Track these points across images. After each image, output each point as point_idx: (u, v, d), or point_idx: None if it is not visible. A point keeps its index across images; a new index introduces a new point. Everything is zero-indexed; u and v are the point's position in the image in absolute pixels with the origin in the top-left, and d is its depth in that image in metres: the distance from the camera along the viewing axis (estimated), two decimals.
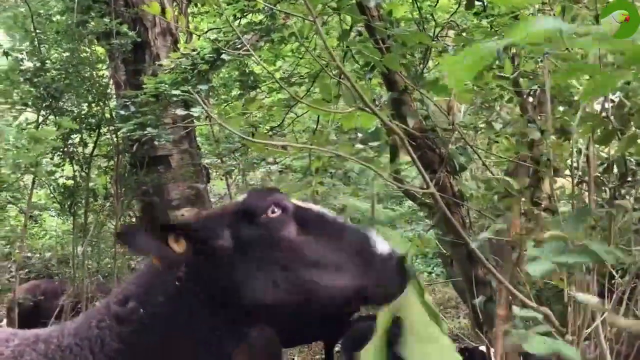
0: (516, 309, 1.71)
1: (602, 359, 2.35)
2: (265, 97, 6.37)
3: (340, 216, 1.60)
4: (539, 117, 2.75)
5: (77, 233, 6.10)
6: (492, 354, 2.92)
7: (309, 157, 3.08)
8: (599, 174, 2.29)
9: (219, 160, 6.80)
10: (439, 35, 3.38)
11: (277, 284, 1.45)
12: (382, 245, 1.51)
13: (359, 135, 2.95)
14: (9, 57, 5.41)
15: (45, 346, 1.49)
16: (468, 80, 0.93)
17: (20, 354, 1.47)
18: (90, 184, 6.09)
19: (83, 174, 5.92)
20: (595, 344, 2.36)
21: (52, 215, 10.15)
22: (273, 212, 1.50)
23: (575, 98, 2.84)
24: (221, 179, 9.35)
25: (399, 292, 1.51)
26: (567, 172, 2.57)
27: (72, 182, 6.03)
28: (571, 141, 2.36)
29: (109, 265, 7.88)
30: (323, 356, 6.68)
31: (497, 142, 3.20)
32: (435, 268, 11.41)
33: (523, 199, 2.66)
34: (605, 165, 2.24)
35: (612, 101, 2.23)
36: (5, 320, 6.14)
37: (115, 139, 5.87)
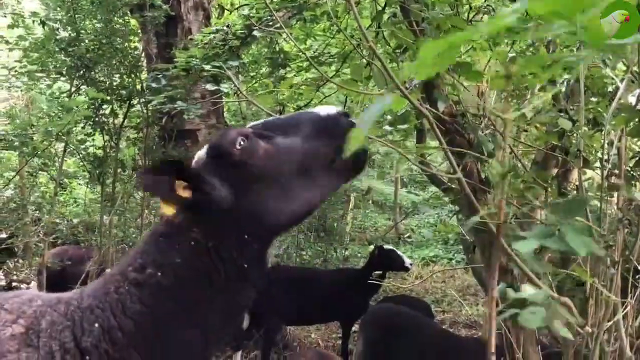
0: (529, 289, 1.69)
1: (622, 353, 2.34)
2: (294, 75, 6.38)
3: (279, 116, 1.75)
4: (571, 108, 2.71)
5: (104, 202, 6.23)
6: (512, 341, 2.93)
7: None
8: (630, 168, 2.26)
9: None
10: (474, 19, 3.33)
11: (282, 199, 1.53)
12: (326, 110, 1.64)
13: (388, 117, 2.95)
14: (46, 27, 5.49)
15: (66, 307, 1.53)
16: (434, 72, 0.92)
17: (42, 314, 1.51)
18: (119, 155, 6.20)
19: (112, 144, 6.02)
20: (616, 337, 2.35)
21: (80, 184, 10.37)
22: (241, 143, 1.55)
23: (610, 89, 2.79)
24: None
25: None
26: (597, 164, 2.53)
27: (102, 152, 6.14)
28: (603, 133, 2.33)
29: (135, 235, 8.03)
30: (340, 335, 6.75)
31: (526, 130, 3.16)
32: (455, 255, 11.40)
33: (550, 190, 2.64)
34: (637, 158, 2.21)
35: None
36: (33, 283, 6.33)
37: (145, 111, 5.95)
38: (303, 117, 1.66)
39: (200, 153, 1.63)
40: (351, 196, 10.25)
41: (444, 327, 8.65)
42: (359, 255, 10.48)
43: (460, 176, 2.46)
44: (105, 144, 6.02)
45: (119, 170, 6.16)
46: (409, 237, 11.62)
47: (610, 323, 2.37)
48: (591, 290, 2.37)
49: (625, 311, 2.30)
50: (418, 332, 5.59)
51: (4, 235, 6.65)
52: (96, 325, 1.43)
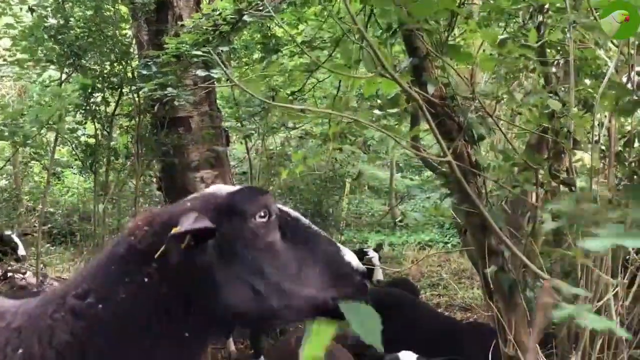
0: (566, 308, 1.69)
1: (612, 332, 2.35)
2: (287, 61, 6.34)
3: (310, 224, 1.57)
4: (562, 89, 2.70)
5: (98, 191, 6.22)
6: (503, 324, 2.94)
7: (329, 122, 3.06)
8: (620, 148, 2.26)
9: (239, 124, 6.82)
10: (466, 1, 3.30)
11: (257, 290, 1.40)
12: (349, 258, 1.51)
13: (380, 101, 2.93)
14: (34, 14, 5.44)
15: None
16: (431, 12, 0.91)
17: None
18: (112, 143, 6.17)
19: (105, 132, 5.99)
20: (607, 317, 2.36)
21: (74, 173, 10.34)
22: (262, 216, 1.44)
23: (605, 71, 2.77)
24: (241, 143, 9.41)
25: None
26: (588, 145, 2.53)
27: (94, 140, 6.11)
28: (593, 113, 2.32)
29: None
30: None
31: (520, 113, 3.15)
32: (451, 238, 11.44)
33: (542, 172, 2.64)
34: (627, 139, 2.21)
35: (638, 73, 2.18)
36: (29, 272, 6.34)
37: (136, 99, 5.91)
38: (325, 243, 1.52)
39: (219, 191, 1.52)
40: (346, 182, 10.25)
41: (439, 310, 8.72)
42: (355, 240, 10.52)
43: (450, 159, 2.46)
44: (97, 132, 5.99)
45: (112, 158, 6.13)
46: (401, 221, 11.65)
47: (601, 303, 2.39)
48: (582, 270, 2.38)
49: (615, 291, 2.31)
50: (414, 314, 5.63)
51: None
52: (20, 351, 1.33)
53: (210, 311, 1.41)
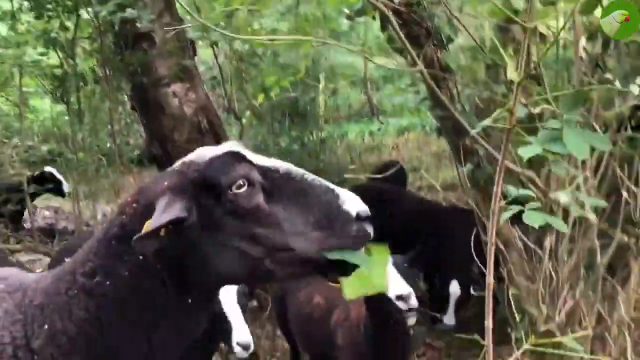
0: (512, 190, 1.83)
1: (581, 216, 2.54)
2: None
3: (307, 173, 1.49)
4: None
5: (73, 119, 6.16)
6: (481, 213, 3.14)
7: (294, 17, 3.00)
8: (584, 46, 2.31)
9: (204, 33, 6.63)
10: None
11: (246, 254, 1.41)
12: (349, 204, 1.42)
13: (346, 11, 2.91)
14: None
15: (21, 297, 1.54)
16: None
17: (1, 300, 1.56)
18: (78, 69, 6.02)
19: (69, 59, 5.83)
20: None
21: (43, 98, 10.11)
22: (240, 185, 1.41)
23: None
24: (209, 47, 9.18)
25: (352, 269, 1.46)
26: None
27: (60, 69, 5.96)
28: (557, 7, 2.34)
29: (108, 144, 8.06)
30: None
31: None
32: (429, 121, 11.57)
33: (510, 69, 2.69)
34: (589, 34, 2.25)
35: None
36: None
37: (95, 20, 5.69)
38: (320, 194, 1.44)
39: (200, 158, 1.48)
40: (320, 77, 10.15)
41: (422, 192, 9.06)
42: (336, 137, 10.62)
43: (421, 68, 2.51)
44: (62, 60, 5.81)
45: (80, 85, 6.01)
46: (379, 109, 11.68)
47: (570, 188, 2.56)
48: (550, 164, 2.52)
49: (575, 184, 2.46)
50: (401, 201, 5.88)
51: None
52: (45, 326, 1.46)
53: (204, 280, 1.47)
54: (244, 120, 9.38)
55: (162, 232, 1.34)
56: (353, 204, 1.41)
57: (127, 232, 1.43)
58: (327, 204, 1.41)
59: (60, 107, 8.80)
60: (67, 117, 7.33)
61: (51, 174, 7.36)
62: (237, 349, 2.72)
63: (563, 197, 1.70)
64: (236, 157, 1.45)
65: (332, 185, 1.45)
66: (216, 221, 1.42)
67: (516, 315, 2.76)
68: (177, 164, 1.52)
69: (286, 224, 1.41)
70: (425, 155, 10.29)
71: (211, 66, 10.04)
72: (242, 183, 1.41)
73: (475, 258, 3.22)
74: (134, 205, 1.47)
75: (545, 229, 2.81)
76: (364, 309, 2.85)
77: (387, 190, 6.14)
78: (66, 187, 7.27)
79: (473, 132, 2.12)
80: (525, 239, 2.89)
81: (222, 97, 8.67)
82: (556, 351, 2.44)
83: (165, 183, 1.45)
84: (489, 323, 1.84)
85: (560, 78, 2.64)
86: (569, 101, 1.59)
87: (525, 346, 1.96)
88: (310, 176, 1.47)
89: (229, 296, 2.78)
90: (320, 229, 1.40)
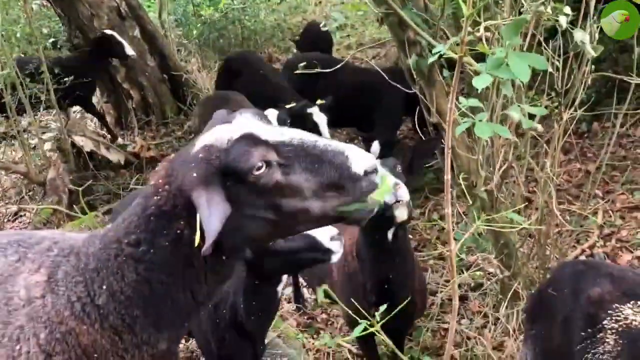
0: (462, 100, 2.02)
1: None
2: None
3: (319, 139, 1.65)
4: None
5: None
6: (427, 96, 3.40)
7: None
8: None
9: None
10: None
11: (271, 220, 1.64)
12: (357, 165, 1.60)
13: None
14: None
15: (76, 261, 1.77)
16: None
17: (57, 264, 1.79)
18: None
19: None
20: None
21: None
22: (259, 167, 1.56)
23: None
24: None
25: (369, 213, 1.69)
26: None
27: None
28: None
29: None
30: None
31: None
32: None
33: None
34: None
35: None
36: None
37: None
38: (332, 158, 1.60)
39: (218, 142, 1.62)
40: None
41: (350, 50, 9.15)
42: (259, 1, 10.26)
43: None
44: None
45: None
46: None
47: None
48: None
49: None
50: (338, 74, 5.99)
51: None
52: (104, 287, 1.71)
53: (235, 244, 1.70)
54: None
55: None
56: (361, 163, 1.60)
57: (163, 211, 1.65)
58: (338, 167, 1.59)
59: None
60: None
61: (112, 36, 6.90)
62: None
63: (514, 114, 1.95)
64: (253, 141, 1.60)
65: (341, 147, 1.63)
66: (242, 199, 1.61)
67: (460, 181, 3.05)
68: (199, 147, 1.64)
69: (304, 190, 1.61)
70: (350, 12, 10.17)
71: None
72: (261, 164, 1.57)
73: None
74: (166, 188, 1.65)
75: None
76: (355, 240, 3.03)
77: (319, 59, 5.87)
78: (128, 49, 6.88)
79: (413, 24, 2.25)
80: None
81: None
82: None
83: (194, 174, 1.59)
84: (448, 211, 2.15)
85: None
86: (511, 28, 1.79)
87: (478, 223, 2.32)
88: (321, 142, 1.64)
89: None
90: (334, 189, 1.61)
